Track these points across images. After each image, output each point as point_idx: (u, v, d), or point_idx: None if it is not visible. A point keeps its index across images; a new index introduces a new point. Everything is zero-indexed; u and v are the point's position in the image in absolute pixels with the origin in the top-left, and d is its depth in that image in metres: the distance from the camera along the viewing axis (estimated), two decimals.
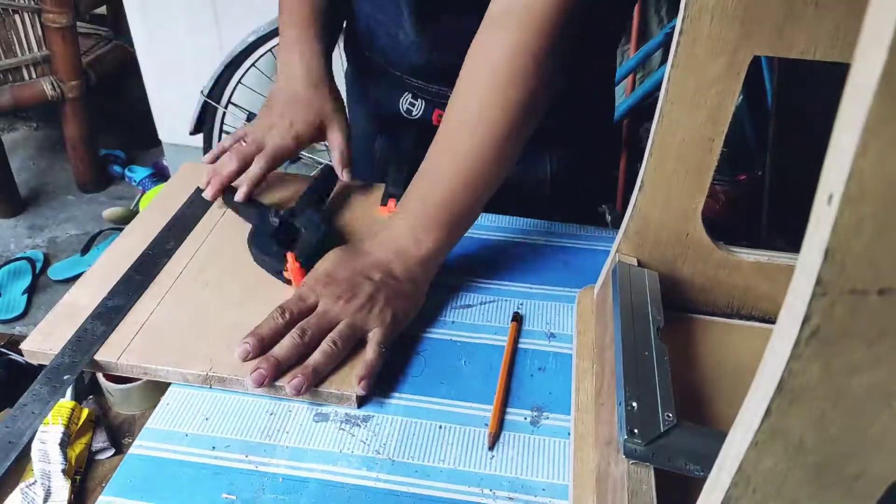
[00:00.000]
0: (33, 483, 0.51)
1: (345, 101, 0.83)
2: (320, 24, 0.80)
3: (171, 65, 2.09)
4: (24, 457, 0.53)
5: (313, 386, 0.56)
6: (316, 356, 0.57)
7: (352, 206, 0.79)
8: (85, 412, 0.56)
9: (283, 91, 0.78)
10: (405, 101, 0.84)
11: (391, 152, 0.91)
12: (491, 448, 0.55)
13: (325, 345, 0.57)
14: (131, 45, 2.14)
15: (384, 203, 0.78)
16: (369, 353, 0.59)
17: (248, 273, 0.68)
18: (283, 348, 0.57)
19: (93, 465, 0.56)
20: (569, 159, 0.86)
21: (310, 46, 0.78)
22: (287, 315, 0.59)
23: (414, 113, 0.84)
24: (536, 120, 0.66)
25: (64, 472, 0.51)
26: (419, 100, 0.83)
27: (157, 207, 0.77)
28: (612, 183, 2.11)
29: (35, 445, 0.53)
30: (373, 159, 0.93)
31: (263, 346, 0.57)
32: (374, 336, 0.60)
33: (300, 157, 1.98)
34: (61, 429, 0.53)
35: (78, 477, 0.54)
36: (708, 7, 0.46)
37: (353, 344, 0.59)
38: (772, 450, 0.25)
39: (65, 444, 0.53)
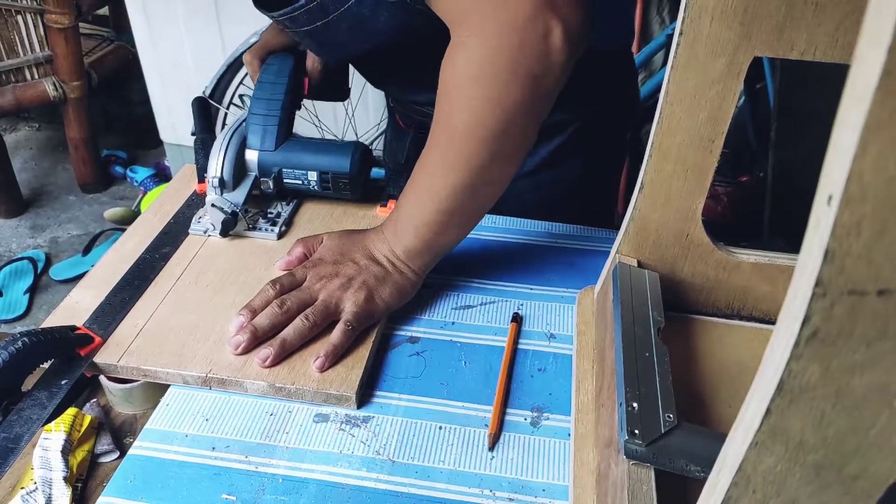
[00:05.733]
0: (34, 490, 0.50)
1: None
2: None
3: (173, 65, 2.09)
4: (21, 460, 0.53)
5: (281, 358, 0.59)
6: (287, 330, 0.60)
7: (351, 206, 0.79)
8: (87, 419, 0.56)
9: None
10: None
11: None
12: (491, 449, 0.55)
13: (298, 320, 0.60)
14: (133, 45, 2.14)
15: (384, 204, 0.78)
16: (336, 332, 0.60)
17: (247, 275, 0.68)
18: (262, 317, 0.60)
19: (94, 465, 0.56)
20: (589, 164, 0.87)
21: None
22: (277, 287, 0.63)
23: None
24: (531, 134, 0.61)
25: (65, 479, 0.51)
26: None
27: (158, 209, 0.77)
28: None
29: (36, 452, 0.53)
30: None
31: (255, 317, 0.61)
32: (344, 315, 0.61)
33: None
34: (63, 436, 0.53)
35: (79, 484, 0.53)
36: (708, 8, 0.46)
37: (327, 321, 0.61)
38: (772, 450, 0.25)
39: (67, 451, 0.53)
